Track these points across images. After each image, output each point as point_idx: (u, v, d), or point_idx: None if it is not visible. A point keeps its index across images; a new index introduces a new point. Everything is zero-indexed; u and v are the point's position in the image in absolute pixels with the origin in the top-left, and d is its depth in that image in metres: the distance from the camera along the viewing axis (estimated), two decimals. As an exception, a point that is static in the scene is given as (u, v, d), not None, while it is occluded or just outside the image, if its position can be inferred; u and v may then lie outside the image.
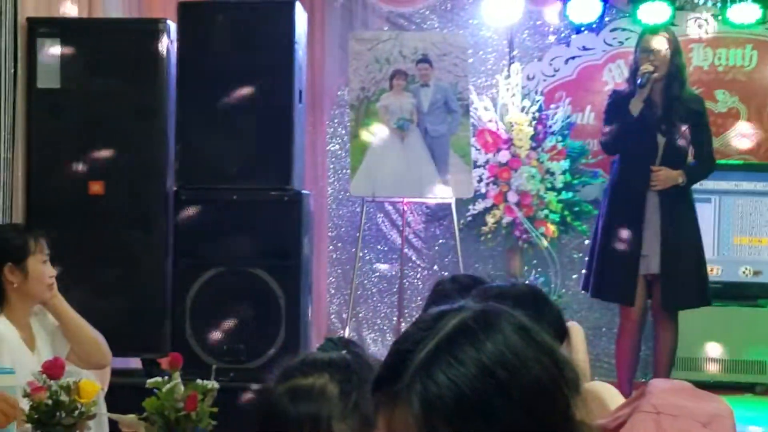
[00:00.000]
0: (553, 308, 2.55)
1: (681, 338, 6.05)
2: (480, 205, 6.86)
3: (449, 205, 6.52)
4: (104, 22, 5.60)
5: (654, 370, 6.08)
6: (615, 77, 7.15)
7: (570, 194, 6.92)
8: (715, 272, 6.66)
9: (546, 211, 6.87)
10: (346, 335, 6.45)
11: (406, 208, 6.96)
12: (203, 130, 5.27)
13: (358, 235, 6.67)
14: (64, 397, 2.92)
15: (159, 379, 2.99)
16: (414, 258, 7.23)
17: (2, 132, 5.09)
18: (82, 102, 5.21)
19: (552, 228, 6.86)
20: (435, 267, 7.23)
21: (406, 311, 6.93)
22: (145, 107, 5.22)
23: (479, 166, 6.82)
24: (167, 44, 5.24)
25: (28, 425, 2.93)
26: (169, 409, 2.93)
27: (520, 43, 7.28)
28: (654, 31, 6.15)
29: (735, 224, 6.94)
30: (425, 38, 6.63)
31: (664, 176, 5.92)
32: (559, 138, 6.94)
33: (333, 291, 7.29)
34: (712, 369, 6.76)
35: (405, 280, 7.00)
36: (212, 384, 3.01)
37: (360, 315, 7.22)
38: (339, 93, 7.26)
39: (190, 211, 5.27)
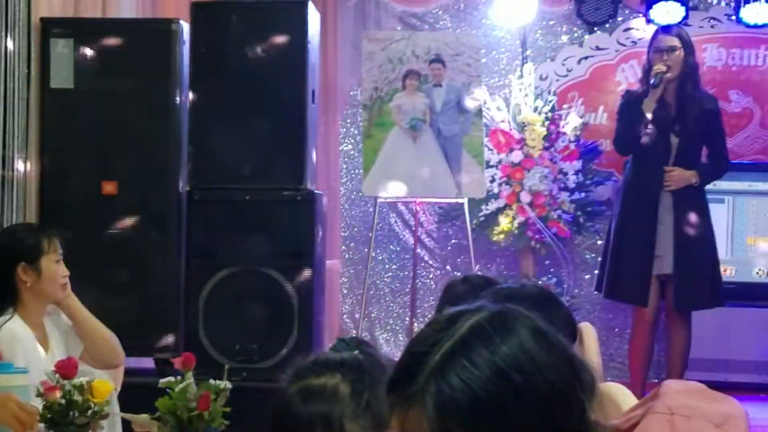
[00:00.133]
0: (563, 310, 2.54)
1: (694, 339, 6.03)
2: (493, 206, 6.85)
3: (462, 205, 6.51)
4: (118, 22, 5.60)
5: (667, 371, 6.07)
6: (628, 77, 7.14)
7: (583, 194, 6.91)
8: (728, 273, 6.64)
9: (559, 212, 6.86)
10: (359, 335, 6.45)
11: (418, 208, 6.96)
12: (216, 130, 5.27)
13: (370, 235, 6.67)
14: (77, 397, 2.93)
15: (172, 378, 2.99)
16: (426, 258, 7.23)
17: (16, 132, 5.11)
18: (95, 102, 5.22)
19: (565, 228, 6.85)
20: (447, 267, 7.23)
21: (418, 311, 6.93)
22: (158, 107, 5.23)
23: (492, 166, 6.82)
24: (180, 44, 5.25)
25: (42, 425, 2.94)
26: (181, 408, 2.93)
27: (533, 43, 7.27)
28: (667, 30, 6.14)
29: (749, 225, 6.92)
30: (438, 38, 6.62)
31: (678, 176, 5.91)
32: (572, 138, 6.93)
33: (345, 291, 7.29)
34: (726, 370, 6.73)
35: (417, 280, 6.99)
36: (225, 384, 3.01)
37: (372, 315, 7.22)
38: (352, 93, 7.27)
39: (203, 211, 5.27)
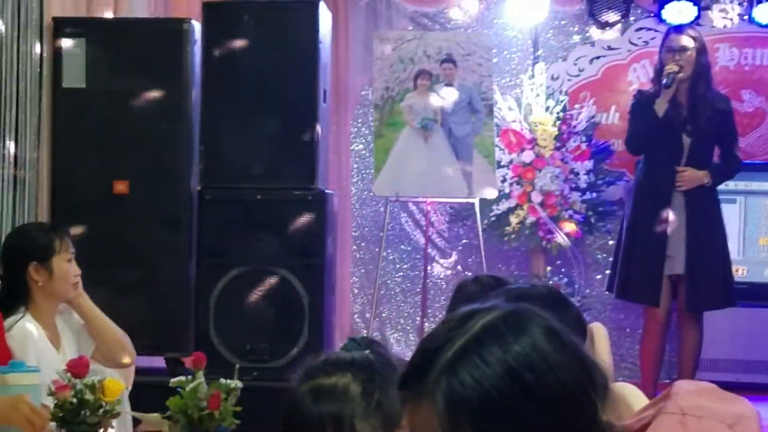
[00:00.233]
0: (572, 310, 2.53)
1: (706, 339, 6.02)
2: (504, 205, 6.84)
3: (473, 205, 6.51)
4: (129, 22, 5.61)
5: (678, 371, 6.05)
6: (640, 77, 7.13)
7: (594, 194, 6.90)
8: (740, 273, 6.62)
9: (570, 212, 6.85)
10: (369, 335, 6.45)
11: (429, 208, 6.96)
12: (227, 129, 5.28)
13: (381, 234, 6.67)
14: (88, 396, 2.93)
15: (182, 378, 2.99)
16: (437, 258, 7.22)
17: (28, 131, 5.12)
18: (107, 101, 5.23)
19: (576, 228, 6.84)
20: (458, 267, 7.22)
21: (429, 311, 6.92)
22: (170, 107, 5.24)
23: (503, 166, 6.81)
24: (192, 44, 5.25)
25: (53, 423, 2.94)
26: (192, 408, 2.93)
27: (544, 43, 7.26)
28: (679, 30, 6.12)
29: (761, 225, 6.90)
30: (449, 38, 6.62)
31: (690, 177, 5.89)
32: (584, 138, 6.92)
33: (356, 291, 7.29)
34: (738, 370, 6.71)
35: (428, 280, 6.99)
36: (235, 383, 3.01)
37: (383, 315, 7.22)
38: (363, 93, 7.27)
39: (214, 210, 5.28)
